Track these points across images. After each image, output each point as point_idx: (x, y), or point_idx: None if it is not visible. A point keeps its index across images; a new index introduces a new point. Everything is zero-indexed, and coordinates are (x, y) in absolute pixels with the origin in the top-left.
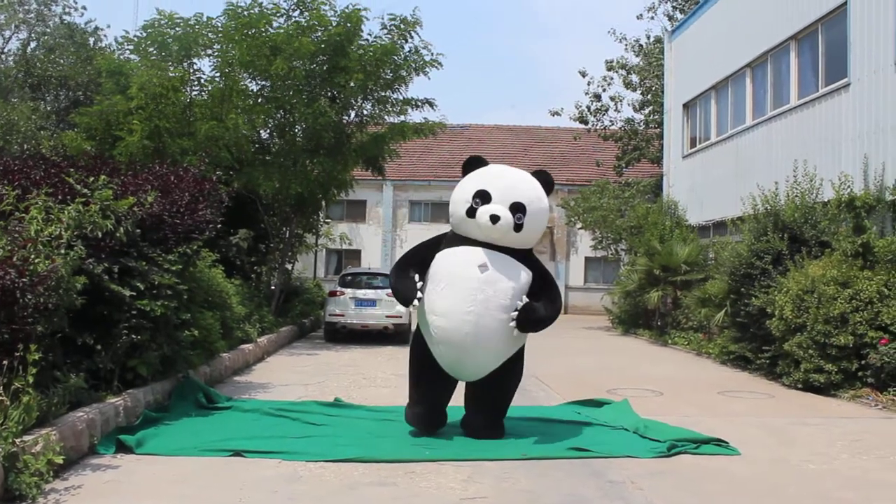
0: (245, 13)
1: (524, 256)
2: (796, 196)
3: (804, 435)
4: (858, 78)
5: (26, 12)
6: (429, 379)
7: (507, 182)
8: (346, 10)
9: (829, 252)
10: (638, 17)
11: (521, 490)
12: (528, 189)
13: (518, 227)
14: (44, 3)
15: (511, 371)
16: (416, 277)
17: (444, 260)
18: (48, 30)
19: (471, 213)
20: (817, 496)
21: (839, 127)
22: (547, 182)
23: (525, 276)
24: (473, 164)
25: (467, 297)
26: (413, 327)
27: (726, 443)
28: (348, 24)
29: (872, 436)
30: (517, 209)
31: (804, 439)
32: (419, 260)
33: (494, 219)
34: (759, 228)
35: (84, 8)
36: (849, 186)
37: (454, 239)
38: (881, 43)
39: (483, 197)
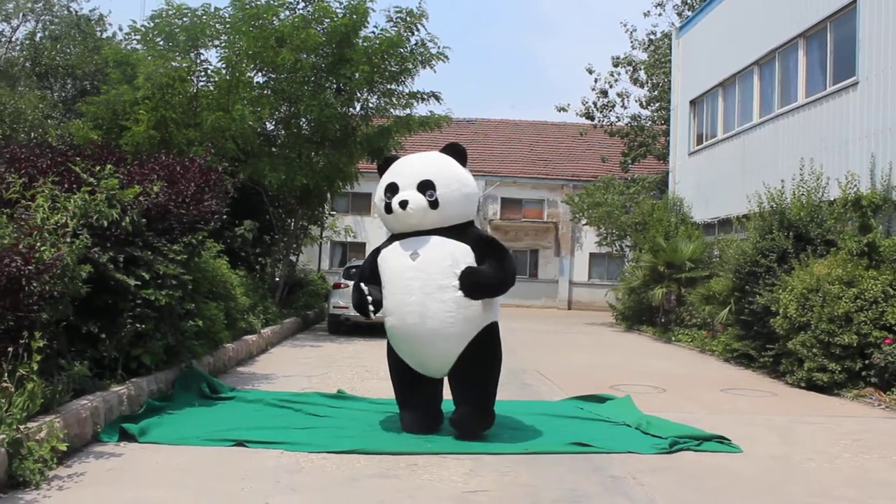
0: (252, 4)
1: (462, 232)
2: (802, 194)
3: (806, 433)
4: (867, 77)
5: (34, 1)
6: (408, 382)
7: (410, 167)
8: (353, 2)
9: (835, 251)
10: (645, 15)
11: (523, 484)
12: (432, 165)
13: (433, 204)
14: None
15: (482, 357)
16: (366, 288)
17: (382, 261)
18: (55, 19)
19: (388, 208)
20: (819, 494)
21: (847, 126)
22: (457, 152)
23: (458, 248)
24: (388, 163)
25: (405, 288)
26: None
27: (728, 440)
28: (354, 16)
29: (875, 435)
30: (425, 187)
31: (806, 438)
32: (369, 272)
33: (403, 204)
34: (765, 226)
35: None
36: (855, 185)
37: (390, 239)
38: (890, 41)
39: (392, 189)
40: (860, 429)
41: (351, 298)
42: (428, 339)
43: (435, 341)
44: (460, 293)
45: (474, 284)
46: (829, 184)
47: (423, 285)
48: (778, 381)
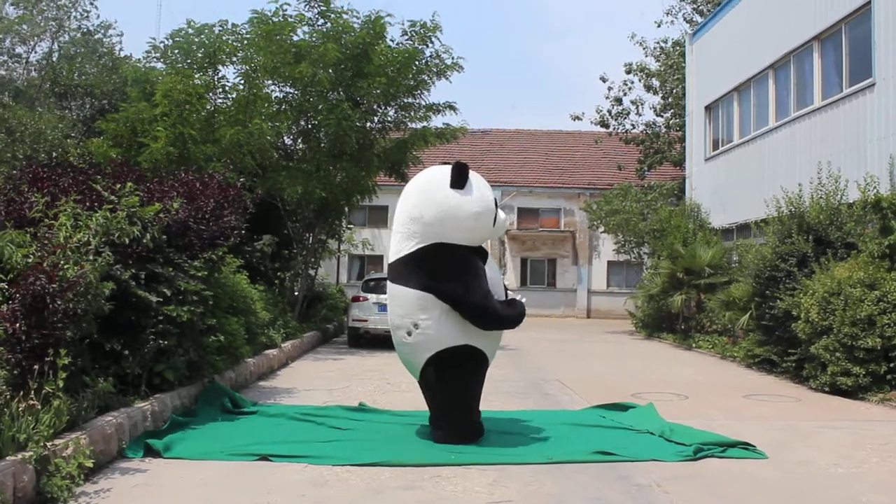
0: (270, 20)
1: None
2: (821, 198)
3: (832, 438)
4: (884, 77)
5: (46, 20)
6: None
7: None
8: (370, 17)
9: (856, 254)
10: (657, 25)
11: (548, 494)
12: None
13: None
14: (62, 10)
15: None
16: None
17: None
18: (67, 38)
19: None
20: (846, 500)
21: (864, 127)
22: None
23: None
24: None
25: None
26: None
27: (753, 446)
28: (372, 31)
29: None
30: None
31: (832, 443)
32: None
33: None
34: (784, 230)
35: (96, 7)
36: (875, 187)
37: (465, 253)
38: None
39: (496, 204)
40: (887, 433)
41: (506, 312)
42: None
43: None
44: None
45: None
46: (847, 186)
47: None
48: (801, 386)
